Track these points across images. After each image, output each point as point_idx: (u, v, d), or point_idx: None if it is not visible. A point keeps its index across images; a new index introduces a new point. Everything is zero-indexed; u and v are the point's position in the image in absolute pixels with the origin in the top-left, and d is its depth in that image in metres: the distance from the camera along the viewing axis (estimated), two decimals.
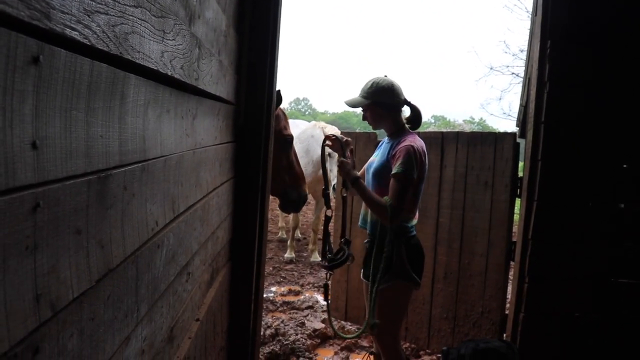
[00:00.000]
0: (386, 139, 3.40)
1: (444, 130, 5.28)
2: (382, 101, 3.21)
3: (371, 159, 3.39)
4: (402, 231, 3.18)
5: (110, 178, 1.08)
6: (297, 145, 7.74)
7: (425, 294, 4.66)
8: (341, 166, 3.17)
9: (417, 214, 3.32)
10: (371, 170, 3.29)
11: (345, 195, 3.44)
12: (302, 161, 7.15)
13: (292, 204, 3.75)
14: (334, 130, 7.23)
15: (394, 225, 3.12)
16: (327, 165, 5.91)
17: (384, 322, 3.24)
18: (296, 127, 8.76)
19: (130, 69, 1.16)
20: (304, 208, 11.31)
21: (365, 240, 3.39)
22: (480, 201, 4.21)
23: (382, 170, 3.17)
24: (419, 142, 3.14)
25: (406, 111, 3.38)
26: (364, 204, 3.32)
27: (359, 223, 3.43)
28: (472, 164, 4.26)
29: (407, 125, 3.33)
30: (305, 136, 7.99)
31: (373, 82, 3.23)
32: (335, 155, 5.84)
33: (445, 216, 4.51)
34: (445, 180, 4.48)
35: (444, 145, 4.49)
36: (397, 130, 3.27)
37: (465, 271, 4.36)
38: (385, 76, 3.29)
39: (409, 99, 3.27)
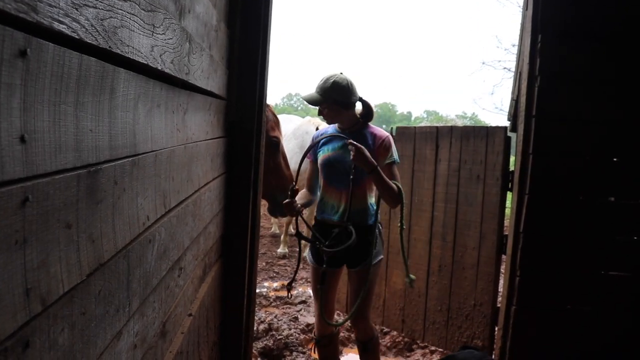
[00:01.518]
0: (331, 129, 3.47)
1: (438, 125, 5.29)
2: (340, 99, 3.27)
3: (329, 153, 3.37)
4: (377, 216, 3.36)
5: (100, 172, 1.07)
6: (292, 142, 7.74)
7: (421, 287, 4.68)
8: (359, 153, 3.03)
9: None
10: (346, 162, 3.27)
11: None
12: (298, 157, 7.05)
13: (280, 207, 3.62)
14: (322, 123, 7.20)
15: (375, 213, 3.35)
16: None
17: (370, 299, 3.42)
18: (290, 122, 8.72)
19: (120, 63, 1.16)
20: None
21: (335, 230, 3.32)
22: (472, 195, 4.23)
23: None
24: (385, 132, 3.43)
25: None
26: (334, 197, 3.36)
27: (333, 217, 3.37)
28: (465, 158, 4.28)
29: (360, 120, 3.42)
30: (300, 132, 7.90)
31: (332, 81, 3.28)
32: None
33: (439, 210, 4.53)
34: (440, 174, 4.50)
35: (438, 140, 4.50)
36: (354, 125, 3.36)
37: (459, 264, 4.38)
38: (341, 73, 3.37)
39: (360, 95, 3.39)
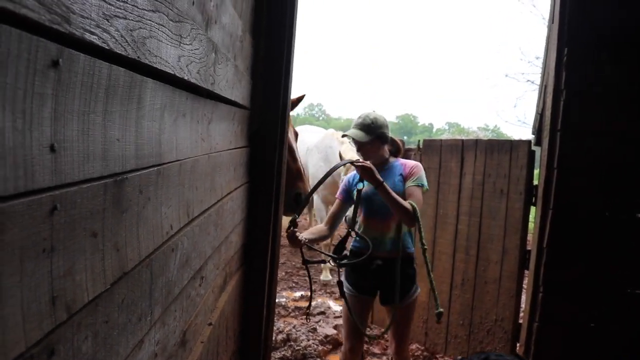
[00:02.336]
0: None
1: (463, 138, 5.26)
2: (382, 134, 3.39)
3: (366, 187, 3.43)
4: (412, 246, 3.45)
5: (126, 182, 1.08)
6: (315, 155, 7.85)
7: (444, 300, 4.65)
8: (365, 169, 3.19)
9: None
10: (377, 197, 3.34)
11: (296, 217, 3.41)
12: (322, 170, 7.13)
13: (289, 205, 3.48)
14: (347, 147, 7.02)
15: (410, 243, 3.40)
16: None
17: (408, 333, 3.49)
18: (311, 133, 8.75)
19: (148, 73, 1.17)
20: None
21: (378, 262, 3.38)
22: (496, 209, 4.18)
23: (399, 193, 3.29)
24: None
25: None
26: (376, 226, 3.41)
27: (378, 248, 3.38)
28: (489, 172, 4.25)
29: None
30: (324, 146, 7.91)
31: (373, 117, 3.41)
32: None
33: (463, 223, 4.51)
34: (464, 187, 4.48)
35: (463, 153, 4.49)
36: (386, 159, 3.48)
37: (481, 278, 4.34)
38: (374, 111, 3.54)
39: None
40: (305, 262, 3.41)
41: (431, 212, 4.75)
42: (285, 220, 3.29)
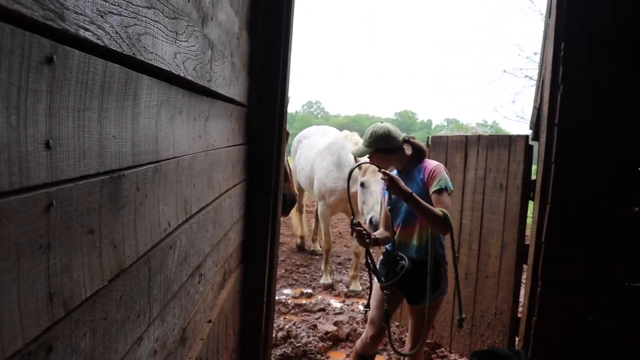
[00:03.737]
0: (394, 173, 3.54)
1: (468, 134, 5.26)
2: (382, 147, 3.39)
3: (387, 197, 3.47)
4: (443, 252, 3.41)
5: (123, 178, 1.08)
6: (327, 158, 7.02)
7: (449, 294, 4.69)
8: (392, 182, 3.12)
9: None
10: (404, 204, 3.35)
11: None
12: (333, 175, 6.72)
13: (284, 207, 3.49)
14: (359, 139, 6.71)
15: (439, 249, 3.38)
16: (360, 195, 5.76)
17: (421, 335, 3.43)
18: (324, 136, 7.99)
19: (143, 69, 1.17)
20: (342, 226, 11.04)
21: (405, 263, 3.37)
22: (496, 203, 4.20)
23: (423, 198, 3.24)
24: (439, 163, 3.39)
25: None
26: (399, 233, 3.44)
27: (396, 250, 3.43)
28: (490, 167, 4.28)
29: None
30: (337, 148, 6.99)
31: (372, 132, 3.43)
32: (372, 184, 5.51)
33: (467, 218, 4.55)
34: (468, 182, 4.52)
35: (467, 148, 4.52)
36: (407, 165, 3.45)
37: (483, 272, 4.36)
38: (382, 122, 3.52)
39: (407, 137, 3.50)
40: (368, 265, 3.40)
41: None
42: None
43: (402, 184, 3.13)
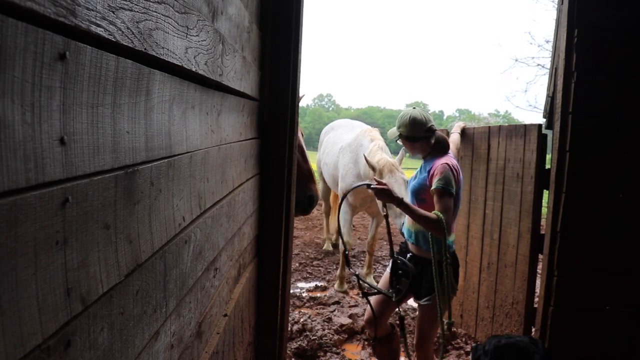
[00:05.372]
0: (423, 161, 3.61)
1: (491, 125, 5.21)
2: (405, 134, 3.47)
3: (411, 177, 3.61)
4: (448, 248, 3.32)
5: (137, 173, 1.09)
6: (347, 155, 6.78)
7: (474, 283, 4.83)
8: (381, 192, 3.18)
9: (453, 229, 3.43)
10: (409, 187, 3.55)
11: (385, 214, 3.55)
12: (352, 173, 6.54)
13: (299, 205, 3.51)
14: (376, 148, 6.27)
15: (439, 245, 3.27)
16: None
17: (426, 332, 3.45)
18: (349, 130, 7.63)
19: (155, 65, 1.17)
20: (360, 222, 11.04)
21: (410, 254, 3.50)
22: (513, 193, 4.20)
23: (420, 189, 3.38)
24: (452, 161, 3.34)
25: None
26: (408, 219, 3.47)
27: (408, 239, 3.54)
28: (508, 157, 4.29)
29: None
30: (355, 145, 6.71)
31: (400, 116, 3.53)
32: (393, 186, 5.16)
33: (489, 208, 4.61)
34: (490, 173, 4.57)
35: (490, 139, 4.57)
36: (429, 154, 3.48)
37: (502, 262, 4.39)
38: (414, 108, 3.56)
39: (434, 128, 3.49)
40: (365, 295, 3.51)
41: (466, 197, 4.88)
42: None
43: (394, 192, 3.18)
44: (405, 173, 5.57)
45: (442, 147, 3.47)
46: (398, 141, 3.61)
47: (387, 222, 3.55)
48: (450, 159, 3.36)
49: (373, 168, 5.44)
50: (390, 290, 3.45)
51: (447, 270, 3.23)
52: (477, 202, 4.77)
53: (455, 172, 3.25)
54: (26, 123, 0.68)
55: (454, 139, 4.36)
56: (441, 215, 3.09)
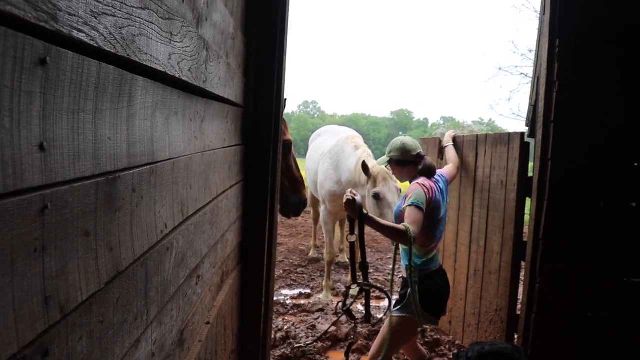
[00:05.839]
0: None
1: (476, 133, 5.25)
2: (395, 157, 3.62)
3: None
4: (416, 270, 3.34)
5: (118, 180, 1.08)
6: (327, 161, 6.62)
7: (462, 291, 4.88)
8: (347, 202, 3.14)
9: (435, 248, 3.47)
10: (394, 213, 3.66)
11: (351, 241, 3.45)
12: (331, 179, 6.39)
13: (293, 207, 3.88)
14: (361, 141, 6.40)
15: (411, 266, 3.27)
16: (375, 208, 5.43)
17: (377, 349, 3.45)
18: (333, 136, 7.45)
19: (138, 71, 1.16)
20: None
21: (399, 276, 3.66)
22: (498, 200, 4.24)
23: (400, 213, 3.44)
24: (427, 182, 3.42)
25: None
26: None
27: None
28: (494, 165, 4.34)
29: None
30: (337, 150, 6.54)
31: (392, 142, 3.71)
32: (387, 194, 5.29)
33: (477, 215, 4.65)
34: (478, 180, 4.62)
35: (477, 147, 4.61)
36: (414, 178, 3.56)
37: (487, 269, 4.43)
38: (405, 135, 3.80)
39: (423, 154, 3.64)
40: (363, 267, 3.36)
41: (455, 205, 4.94)
42: None
43: (356, 207, 3.11)
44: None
45: (429, 172, 3.57)
46: (387, 167, 3.79)
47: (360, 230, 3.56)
48: (426, 180, 3.44)
49: (368, 174, 5.35)
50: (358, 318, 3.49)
51: (412, 284, 3.24)
52: (465, 210, 4.81)
53: (427, 190, 3.32)
54: (4, 128, 0.67)
55: (452, 158, 4.37)
56: (409, 226, 3.13)
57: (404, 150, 3.58)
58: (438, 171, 3.73)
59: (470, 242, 4.72)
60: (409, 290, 3.31)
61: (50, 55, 0.78)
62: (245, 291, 3.05)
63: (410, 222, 3.17)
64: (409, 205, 3.25)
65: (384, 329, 3.46)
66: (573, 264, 3.18)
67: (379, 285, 3.60)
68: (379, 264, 7.87)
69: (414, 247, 3.23)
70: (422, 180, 3.42)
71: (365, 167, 5.31)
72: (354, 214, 3.12)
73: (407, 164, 3.59)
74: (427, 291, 3.35)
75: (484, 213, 4.49)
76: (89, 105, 0.92)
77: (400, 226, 3.17)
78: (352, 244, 3.44)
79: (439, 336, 4.94)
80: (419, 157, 3.58)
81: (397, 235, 3.17)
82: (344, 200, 3.14)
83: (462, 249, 4.84)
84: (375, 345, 3.51)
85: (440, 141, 5.18)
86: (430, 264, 3.42)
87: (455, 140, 4.81)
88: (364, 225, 3.12)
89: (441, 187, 3.54)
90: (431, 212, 3.36)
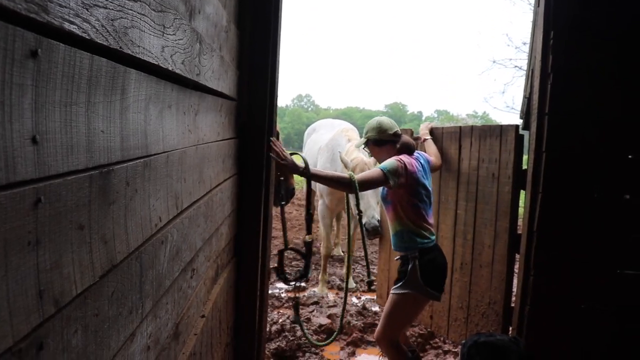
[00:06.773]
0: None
1: (461, 125, 5.20)
2: (372, 137, 3.65)
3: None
4: (414, 246, 3.42)
5: (112, 173, 1.07)
6: (324, 154, 6.74)
7: (447, 285, 4.76)
8: (284, 166, 3.19)
9: (428, 226, 3.50)
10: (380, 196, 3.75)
11: (283, 204, 3.65)
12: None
13: (281, 196, 4.01)
14: (355, 135, 6.52)
15: (408, 242, 3.42)
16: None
17: (383, 326, 3.50)
18: (328, 130, 7.51)
19: (131, 63, 1.16)
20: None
21: (396, 257, 3.66)
22: (489, 193, 4.23)
23: (385, 196, 3.54)
24: (406, 158, 3.45)
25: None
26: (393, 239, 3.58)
27: (393, 248, 3.65)
28: (482, 157, 4.31)
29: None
30: (333, 144, 6.67)
31: (368, 123, 3.72)
32: None
33: (462, 208, 4.60)
34: (462, 173, 4.57)
35: (461, 139, 4.56)
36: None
37: (477, 262, 4.40)
38: (381, 116, 3.80)
39: (399, 132, 3.68)
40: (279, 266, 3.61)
41: (436, 197, 4.84)
42: None
43: (295, 163, 3.19)
44: None
45: (408, 150, 3.59)
46: (365, 149, 3.79)
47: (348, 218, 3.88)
48: (405, 156, 3.48)
49: (346, 165, 5.43)
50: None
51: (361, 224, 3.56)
52: (447, 203, 4.75)
53: (402, 163, 3.36)
54: None
55: (434, 152, 4.35)
56: (352, 174, 3.30)
57: (381, 130, 3.61)
58: (419, 152, 3.74)
59: (455, 236, 4.68)
60: (409, 267, 3.38)
61: (42, 47, 0.77)
62: (240, 284, 3.05)
63: (361, 175, 3.33)
64: (377, 168, 3.37)
65: (386, 308, 3.50)
66: (567, 257, 3.20)
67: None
68: (373, 257, 7.87)
69: (404, 227, 3.41)
70: (401, 156, 3.46)
71: (342, 160, 5.46)
72: (295, 171, 3.22)
73: (385, 143, 3.61)
74: (427, 266, 3.40)
75: (472, 206, 4.45)
76: (81, 98, 0.92)
77: (345, 174, 3.31)
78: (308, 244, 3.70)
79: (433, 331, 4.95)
80: (396, 136, 3.61)
81: (342, 185, 3.30)
82: (277, 164, 3.16)
83: (445, 242, 4.77)
84: (380, 325, 3.54)
85: (412, 132, 5.13)
86: (428, 242, 3.46)
87: (432, 132, 4.76)
88: (311, 182, 3.33)
89: (422, 162, 3.59)
90: (415, 186, 3.40)
